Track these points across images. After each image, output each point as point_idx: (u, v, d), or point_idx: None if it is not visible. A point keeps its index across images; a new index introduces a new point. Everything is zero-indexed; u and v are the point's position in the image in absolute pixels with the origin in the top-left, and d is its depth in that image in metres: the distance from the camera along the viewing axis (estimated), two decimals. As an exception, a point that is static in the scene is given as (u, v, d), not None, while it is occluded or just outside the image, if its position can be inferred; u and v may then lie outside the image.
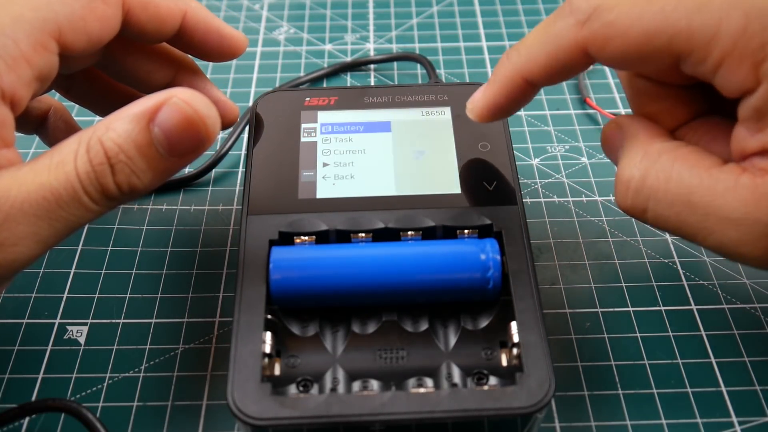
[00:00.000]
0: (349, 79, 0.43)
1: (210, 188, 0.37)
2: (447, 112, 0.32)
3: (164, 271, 0.33)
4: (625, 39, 0.23)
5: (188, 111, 0.23)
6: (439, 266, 0.26)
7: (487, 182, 0.29)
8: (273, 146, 0.30)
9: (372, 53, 0.45)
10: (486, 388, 0.24)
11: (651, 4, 0.22)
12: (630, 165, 0.24)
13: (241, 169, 0.38)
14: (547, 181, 0.37)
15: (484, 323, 0.26)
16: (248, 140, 0.31)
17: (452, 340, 0.26)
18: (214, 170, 0.37)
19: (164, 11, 0.27)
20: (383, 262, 0.26)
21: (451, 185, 0.29)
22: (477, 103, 0.27)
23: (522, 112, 0.41)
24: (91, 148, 0.22)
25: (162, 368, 0.29)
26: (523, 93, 0.26)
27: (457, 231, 0.27)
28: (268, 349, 0.25)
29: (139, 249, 0.34)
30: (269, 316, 0.26)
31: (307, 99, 0.32)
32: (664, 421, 0.28)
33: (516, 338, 0.25)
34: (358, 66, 0.44)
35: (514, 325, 0.25)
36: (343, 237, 0.27)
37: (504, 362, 0.25)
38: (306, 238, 0.27)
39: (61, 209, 0.22)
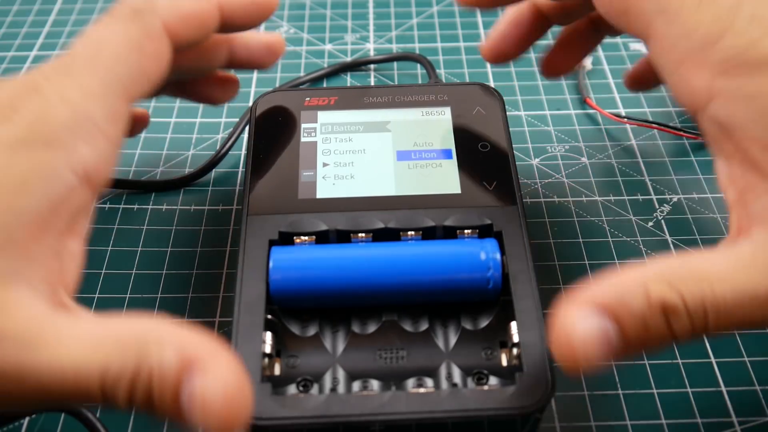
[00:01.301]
0: (349, 79, 0.43)
1: (210, 188, 0.37)
2: (447, 112, 0.32)
3: (164, 271, 0.33)
4: None
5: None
6: (439, 266, 0.26)
7: (487, 182, 0.29)
8: (273, 146, 0.30)
9: (372, 53, 0.45)
10: (486, 388, 0.24)
11: None
12: None
13: (241, 169, 0.38)
14: (547, 181, 0.37)
15: (484, 323, 0.26)
16: (248, 140, 0.31)
17: (452, 340, 0.26)
18: (214, 170, 0.37)
19: (203, 13, 0.27)
20: (383, 263, 0.26)
21: (451, 185, 0.29)
22: (488, 37, 0.28)
23: (522, 112, 0.41)
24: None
25: (162, 368, 0.29)
26: (532, 24, 0.28)
27: (457, 231, 0.27)
28: (268, 349, 0.25)
29: (139, 249, 0.34)
30: (269, 316, 0.26)
31: (307, 99, 0.32)
32: (664, 421, 0.28)
33: (516, 338, 0.25)
34: (358, 66, 0.44)
35: (514, 325, 0.25)
36: (343, 237, 0.27)
37: (504, 362, 0.25)
38: (306, 238, 0.27)
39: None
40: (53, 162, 0.22)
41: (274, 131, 0.31)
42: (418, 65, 0.44)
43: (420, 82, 0.43)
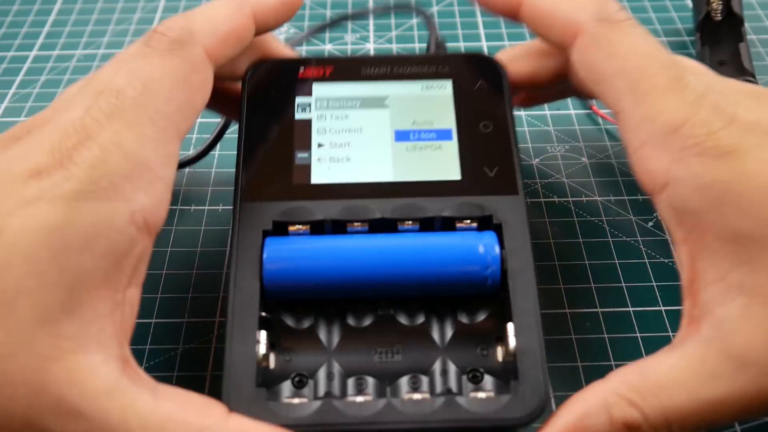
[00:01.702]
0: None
1: (210, 188, 0.37)
2: (448, 86, 0.30)
3: (164, 271, 0.33)
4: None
5: None
6: (436, 260, 0.25)
7: (488, 167, 0.27)
8: (265, 123, 0.29)
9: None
10: (481, 395, 0.24)
11: None
12: None
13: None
14: (547, 181, 0.37)
15: (480, 318, 0.26)
16: (239, 115, 0.29)
17: (448, 335, 0.26)
18: (214, 170, 0.38)
19: (241, 28, 0.27)
20: (379, 255, 0.25)
21: (451, 171, 0.28)
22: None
23: (522, 112, 0.41)
24: None
25: (162, 368, 0.29)
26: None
27: (456, 222, 0.27)
28: (263, 349, 0.24)
29: (139, 249, 0.34)
30: (263, 314, 0.25)
31: (301, 70, 0.30)
32: (664, 421, 0.28)
33: (512, 342, 0.24)
34: (357, 17, 0.44)
35: (510, 327, 0.24)
36: (338, 227, 0.27)
37: (500, 357, 0.25)
38: (300, 226, 0.26)
39: None
40: (114, 215, 0.21)
41: (267, 106, 0.29)
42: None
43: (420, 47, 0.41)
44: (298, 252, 0.25)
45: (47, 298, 0.20)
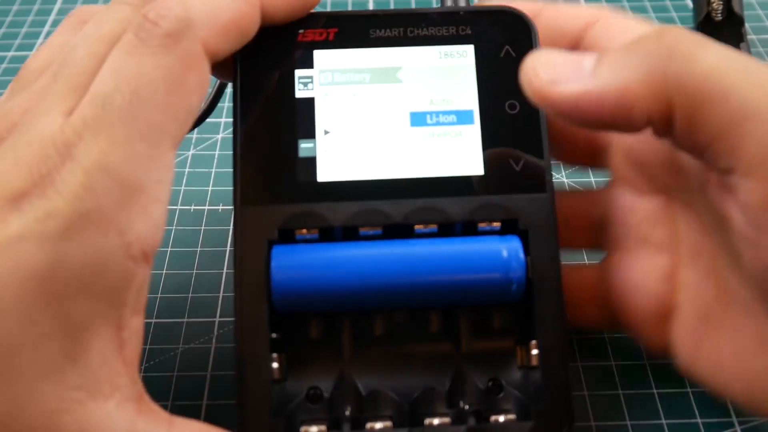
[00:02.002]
0: None
1: (210, 188, 0.37)
2: (470, 52, 0.26)
3: (164, 271, 0.33)
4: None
5: None
6: (457, 267, 0.23)
7: (514, 160, 0.25)
8: (263, 104, 0.25)
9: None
10: (502, 418, 0.23)
11: None
12: None
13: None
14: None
15: (502, 327, 0.25)
16: (233, 94, 0.25)
17: (467, 343, 0.25)
18: (214, 170, 0.37)
19: (244, 19, 0.23)
20: (397, 265, 0.24)
21: (472, 163, 0.25)
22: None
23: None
24: None
25: (162, 368, 0.29)
26: None
27: (478, 224, 0.24)
28: (277, 375, 0.23)
29: (139, 249, 0.34)
30: (274, 335, 0.23)
31: (301, 32, 0.26)
32: (664, 421, 0.28)
33: (535, 362, 0.23)
34: None
35: (534, 345, 0.23)
36: (350, 232, 0.24)
37: (520, 371, 0.24)
38: (308, 231, 0.24)
39: None
40: (108, 252, 0.19)
41: (263, 82, 0.25)
42: None
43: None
44: (308, 264, 0.23)
45: (47, 349, 0.18)
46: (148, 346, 0.30)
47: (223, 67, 0.25)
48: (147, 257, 0.20)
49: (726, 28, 0.41)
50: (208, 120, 0.40)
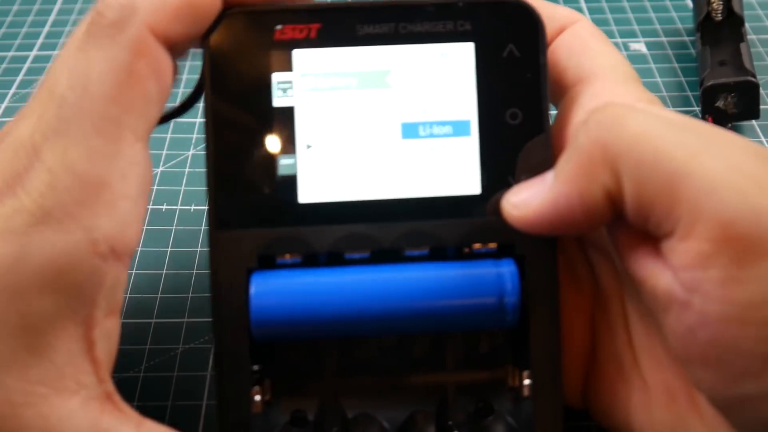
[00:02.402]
0: None
1: (210, 188, 0.37)
2: (469, 53, 0.23)
3: (164, 272, 0.33)
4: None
5: None
6: (449, 294, 0.22)
7: (513, 177, 0.23)
8: (237, 114, 0.23)
9: None
10: None
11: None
12: None
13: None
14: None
15: (493, 351, 0.24)
16: (205, 105, 0.23)
17: (456, 366, 0.24)
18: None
19: (198, 4, 0.22)
20: (385, 293, 0.22)
21: (469, 181, 0.23)
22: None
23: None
24: None
25: (162, 368, 0.29)
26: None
27: (473, 249, 0.23)
28: (259, 407, 0.22)
29: (140, 249, 0.34)
30: (256, 367, 0.22)
31: (278, 28, 0.23)
32: None
33: (526, 393, 0.22)
34: None
35: (526, 375, 0.22)
36: (335, 257, 0.22)
37: (510, 391, 0.24)
38: (289, 256, 0.22)
39: None
40: (73, 248, 0.19)
41: (236, 87, 0.23)
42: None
43: None
44: (290, 293, 0.22)
45: (9, 343, 0.19)
46: (148, 346, 0.30)
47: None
48: (118, 255, 0.20)
49: (726, 28, 0.41)
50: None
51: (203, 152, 0.38)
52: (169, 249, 0.34)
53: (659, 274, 0.20)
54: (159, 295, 0.32)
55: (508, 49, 0.23)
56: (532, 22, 0.23)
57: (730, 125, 0.38)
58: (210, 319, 0.31)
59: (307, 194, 0.23)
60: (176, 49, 0.22)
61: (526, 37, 0.23)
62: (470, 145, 0.23)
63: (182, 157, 0.38)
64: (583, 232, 0.24)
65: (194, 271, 0.33)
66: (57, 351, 0.19)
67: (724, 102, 0.38)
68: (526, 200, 0.21)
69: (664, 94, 0.42)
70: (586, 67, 0.24)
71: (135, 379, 0.29)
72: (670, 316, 0.20)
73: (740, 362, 0.18)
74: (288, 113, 0.23)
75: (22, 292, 0.19)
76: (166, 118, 0.31)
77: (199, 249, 0.34)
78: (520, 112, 0.23)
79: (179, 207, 0.36)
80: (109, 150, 0.20)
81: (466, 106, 0.23)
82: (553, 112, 0.24)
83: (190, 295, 0.32)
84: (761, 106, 0.38)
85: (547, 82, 0.23)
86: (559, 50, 0.24)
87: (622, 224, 0.21)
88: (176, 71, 0.23)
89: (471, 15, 0.23)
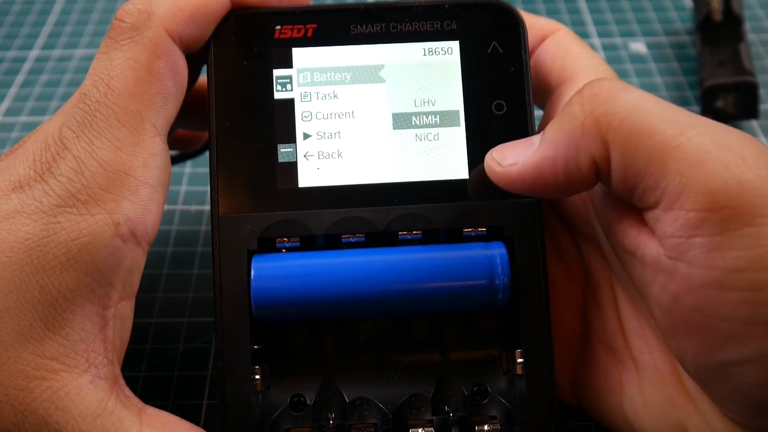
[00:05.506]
0: None
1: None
2: (455, 49, 0.25)
3: (164, 271, 0.33)
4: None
5: None
6: (442, 275, 0.23)
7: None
8: (240, 106, 0.24)
9: None
10: (488, 428, 0.23)
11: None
12: None
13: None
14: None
15: (487, 332, 0.25)
16: (209, 98, 0.24)
17: (452, 349, 0.25)
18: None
19: (209, 4, 0.24)
20: (381, 274, 0.23)
21: (458, 167, 0.24)
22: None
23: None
24: None
25: (162, 368, 0.29)
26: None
27: (463, 231, 0.24)
28: (259, 387, 0.23)
29: (140, 249, 0.34)
30: (256, 346, 0.23)
31: (278, 28, 0.25)
32: None
33: (520, 370, 0.23)
34: None
35: (519, 353, 0.23)
36: (332, 241, 0.24)
37: (506, 377, 0.24)
38: (288, 239, 0.24)
39: None
40: (96, 229, 0.21)
41: (239, 82, 0.24)
42: None
43: None
44: (289, 275, 0.23)
45: (29, 316, 0.20)
46: (148, 346, 0.30)
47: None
48: (137, 239, 0.22)
49: (725, 28, 0.41)
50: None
51: (203, 153, 0.37)
52: (169, 249, 0.34)
53: (647, 244, 0.21)
54: (159, 295, 0.32)
55: (492, 46, 0.25)
56: (514, 22, 0.25)
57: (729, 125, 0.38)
58: (210, 319, 0.31)
59: (305, 179, 0.24)
60: (190, 50, 0.24)
61: (508, 35, 0.25)
62: (459, 134, 0.24)
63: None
64: (561, 197, 0.25)
65: (194, 272, 0.33)
66: (72, 327, 0.20)
67: (723, 102, 0.38)
68: (510, 158, 0.22)
69: (664, 93, 0.42)
70: (570, 68, 0.26)
71: (135, 379, 0.29)
72: (656, 287, 0.20)
73: (723, 327, 0.19)
74: (288, 105, 0.24)
75: (46, 267, 0.20)
76: (180, 159, 0.34)
77: (199, 249, 0.34)
78: (505, 103, 0.24)
79: (180, 207, 0.36)
80: (131, 140, 0.22)
81: (454, 99, 0.25)
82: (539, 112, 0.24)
83: (190, 294, 0.32)
84: (760, 106, 0.38)
85: (529, 75, 0.25)
86: (543, 56, 0.27)
87: (610, 198, 0.22)
88: (197, 71, 0.24)
89: (457, 15, 0.25)
